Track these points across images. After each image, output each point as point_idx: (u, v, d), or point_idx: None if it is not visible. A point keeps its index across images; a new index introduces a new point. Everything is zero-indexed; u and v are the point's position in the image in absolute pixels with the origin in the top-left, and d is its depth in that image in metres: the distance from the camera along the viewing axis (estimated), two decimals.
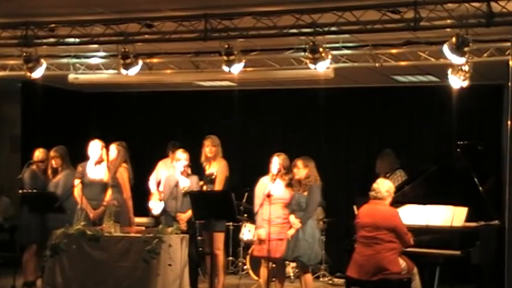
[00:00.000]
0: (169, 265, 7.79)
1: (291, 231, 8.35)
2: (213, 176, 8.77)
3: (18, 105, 12.53)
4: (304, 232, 8.34)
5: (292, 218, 8.38)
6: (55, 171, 9.21)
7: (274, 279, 8.80)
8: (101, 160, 8.90)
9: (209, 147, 8.84)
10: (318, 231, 8.69)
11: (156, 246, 7.72)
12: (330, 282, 10.70)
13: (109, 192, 8.79)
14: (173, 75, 10.14)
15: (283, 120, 12.24)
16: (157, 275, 7.71)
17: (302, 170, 8.43)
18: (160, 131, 12.32)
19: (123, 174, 8.81)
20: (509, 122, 7.40)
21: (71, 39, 8.71)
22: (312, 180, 8.44)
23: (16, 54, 9.31)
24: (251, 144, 12.20)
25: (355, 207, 8.42)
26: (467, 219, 7.89)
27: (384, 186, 7.39)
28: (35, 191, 9.01)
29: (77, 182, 8.75)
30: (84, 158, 8.99)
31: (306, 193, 8.41)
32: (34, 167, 9.30)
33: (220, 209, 8.08)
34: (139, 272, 7.77)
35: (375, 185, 7.41)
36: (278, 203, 8.42)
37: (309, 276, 8.55)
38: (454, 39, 7.41)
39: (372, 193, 7.38)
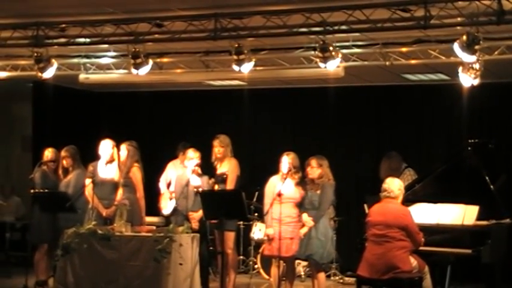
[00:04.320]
0: (180, 264, 7.80)
1: (304, 230, 8.35)
2: (224, 176, 8.77)
3: (30, 105, 12.59)
4: (317, 230, 8.34)
5: (305, 216, 8.38)
6: (66, 171, 9.23)
7: (284, 278, 8.80)
8: (112, 159, 8.94)
9: (217, 148, 8.83)
10: (331, 230, 8.67)
11: (167, 245, 7.73)
12: (341, 281, 10.69)
13: (120, 191, 8.82)
14: (183, 74, 10.16)
15: (293, 119, 12.24)
16: (168, 274, 7.72)
17: (316, 169, 8.43)
18: (170, 131, 12.36)
19: (136, 174, 8.83)
20: None
21: (82, 39, 8.75)
22: (325, 179, 8.45)
23: (27, 54, 9.35)
24: (261, 143, 12.20)
25: (365, 206, 8.41)
26: (478, 218, 7.86)
27: (395, 185, 7.37)
28: (46, 190, 9.04)
29: (88, 181, 8.78)
30: (95, 157, 9.03)
31: (318, 192, 8.42)
32: (45, 167, 9.33)
33: (231, 208, 8.07)
34: (150, 271, 7.79)
35: (385, 185, 7.38)
36: (288, 202, 8.42)
37: (322, 275, 8.53)
38: (464, 37, 7.40)
39: (383, 193, 7.35)
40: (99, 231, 8.08)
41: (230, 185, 8.72)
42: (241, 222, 10.59)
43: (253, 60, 8.60)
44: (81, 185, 8.90)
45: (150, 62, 8.94)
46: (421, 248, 7.41)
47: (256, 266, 10.85)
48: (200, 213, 8.52)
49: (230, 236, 8.68)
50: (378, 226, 7.21)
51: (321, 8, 7.57)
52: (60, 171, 9.28)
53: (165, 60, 9.71)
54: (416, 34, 8.20)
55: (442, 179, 8.32)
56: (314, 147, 10.23)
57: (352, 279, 10.03)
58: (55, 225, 8.71)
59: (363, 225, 7.58)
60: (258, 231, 10.68)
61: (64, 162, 9.22)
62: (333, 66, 8.41)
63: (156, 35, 8.46)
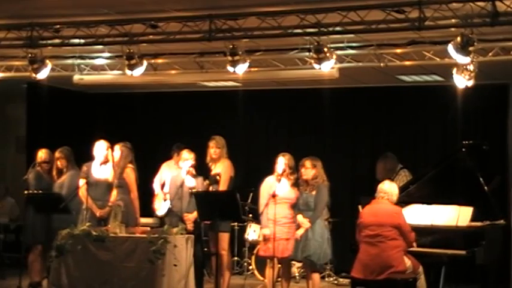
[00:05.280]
0: (175, 265, 7.80)
1: (301, 231, 8.35)
2: (218, 177, 8.77)
3: (24, 106, 12.56)
4: (314, 231, 8.34)
5: (300, 217, 8.38)
6: (60, 172, 9.22)
7: (279, 279, 8.80)
8: (106, 160, 8.93)
9: (213, 149, 8.83)
10: (327, 230, 8.70)
11: (161, 246, 7.73)
12: (335, 282, 10.70)
13: (114, 192, 8.81)
14: (178, 75, 10.15)
15: (288, 121, 12.24)
16: (163, 276, 7.71)
17: (310, 170, 8.44)
18: (165, 132, 12.35)
19: (130, 174, 8.83)
20: None
21: (76, 40, 8.73)
22: (320, 180, 8.45)
23: (21, 55, 9.33)
24: (256, 144, 12.20)
25: (360, 207, 8.41)
26: (473, 219, 7.88)
27: (395, 191, 7.40)
28: (40, 191, 9.02)
29: (82, 182, 8.77)
30: (89, 158, 9.01)
31: (313, 193, 8.42)
32: (39, 168, 9.31)
33: (226, 209, 8.07)
34: (145, 272, 7.78)
35: (385, 188, 7.39)
36: (283, 202, 8.42)
37: (316, 276, 8.54)
38: (458, 39, 7.40)
39: (380, 194, 7.37)
40: (94, 232, 8.06)
41: (223, 186, 8.71)
42: (235, 224, 10.60)
43: (248, 61, 8.59)
44: (75, 186, 8.89)
45: (145, 63, 8.93)
46: (415, 248, 7.43)
47: (250, 267, 10.85)
48: (195, 214, 8.52)
49: (224, 237, 8.67)
50: (371, 227, 7.23)
51: (315, 9, 7.57)
52: (54, 172, 9.26)
53: (159, 61, 9.69)
54: (411, 35, 8.21)
55: (437, 180, 8.34)
56: (309, 148, 10.23)
57: (346, 281, 10.03)
58: (49, 226, 8.69)
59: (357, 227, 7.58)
60: (252, 233, 10.67)
61: (58, 163, 9.21)
62: (328, 68, 8.42)
63: (151, 36, 8.45)
